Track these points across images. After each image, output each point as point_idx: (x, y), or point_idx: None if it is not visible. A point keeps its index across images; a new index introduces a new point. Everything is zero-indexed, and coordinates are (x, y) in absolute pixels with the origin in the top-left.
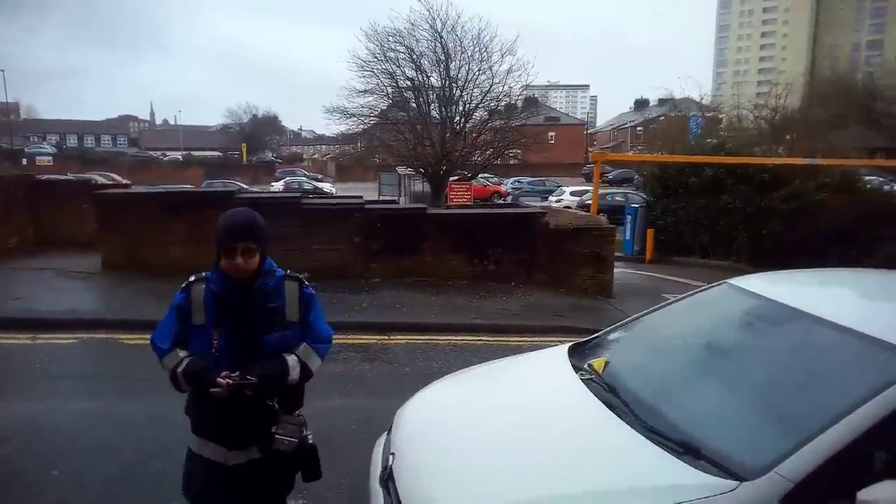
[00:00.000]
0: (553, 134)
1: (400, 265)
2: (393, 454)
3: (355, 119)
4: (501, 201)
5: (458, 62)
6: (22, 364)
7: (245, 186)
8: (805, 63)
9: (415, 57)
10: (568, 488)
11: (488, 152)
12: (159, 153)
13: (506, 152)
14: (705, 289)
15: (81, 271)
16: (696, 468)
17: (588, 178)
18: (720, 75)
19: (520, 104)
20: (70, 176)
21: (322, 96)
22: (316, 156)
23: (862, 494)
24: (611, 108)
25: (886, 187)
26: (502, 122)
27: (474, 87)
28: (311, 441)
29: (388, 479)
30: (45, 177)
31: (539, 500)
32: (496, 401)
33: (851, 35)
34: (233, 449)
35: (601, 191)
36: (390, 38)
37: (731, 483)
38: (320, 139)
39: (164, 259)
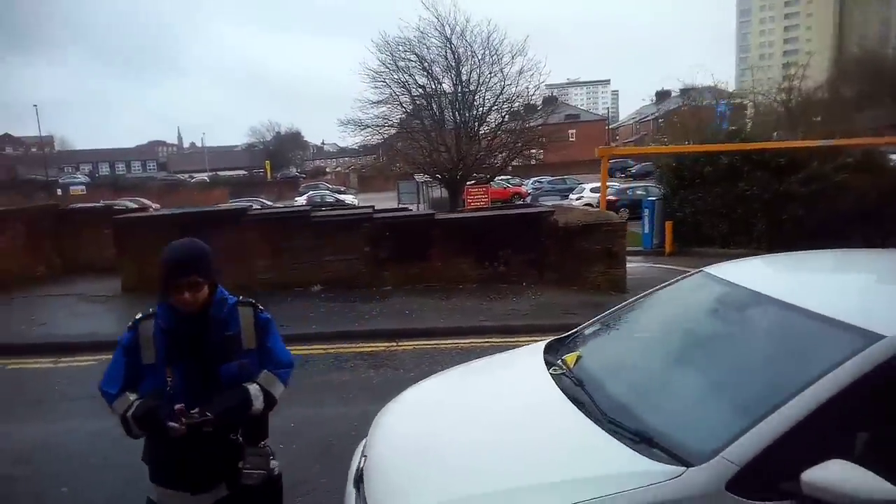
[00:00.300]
0: (574, 131)
1: (410, 272)
2: (365, 456)
3: (371, 130)
4: (521, 202)
5: (469, 66)
6: (43, 387)
7: (269, 203)
8: (831, 42)
9: (426, 64)
10: (518, 482)
11: (504, 154)
12: (187, 176)
13: (523, 153)
14: (684, 278)
15: (102, 295)
16: (648, 457)
17: (611, 174)
18: (743, 60)
19: (539, 104)
20: (101, 203)
21: (342, 109)
22: (339, 168)
23: (806, 475)
24: (634, 102)
25: None
26: (517, 124)
27: (486, 90)
28: (277, 471)
29: (359, 479)
30: (72, 206)
31: (482, 497)
32: (466, 400)
33: (881, 11)
34: (197, 493)
35: (623, 185)
36: (400, 48)
37: (679, 469)
38: (343, 152)
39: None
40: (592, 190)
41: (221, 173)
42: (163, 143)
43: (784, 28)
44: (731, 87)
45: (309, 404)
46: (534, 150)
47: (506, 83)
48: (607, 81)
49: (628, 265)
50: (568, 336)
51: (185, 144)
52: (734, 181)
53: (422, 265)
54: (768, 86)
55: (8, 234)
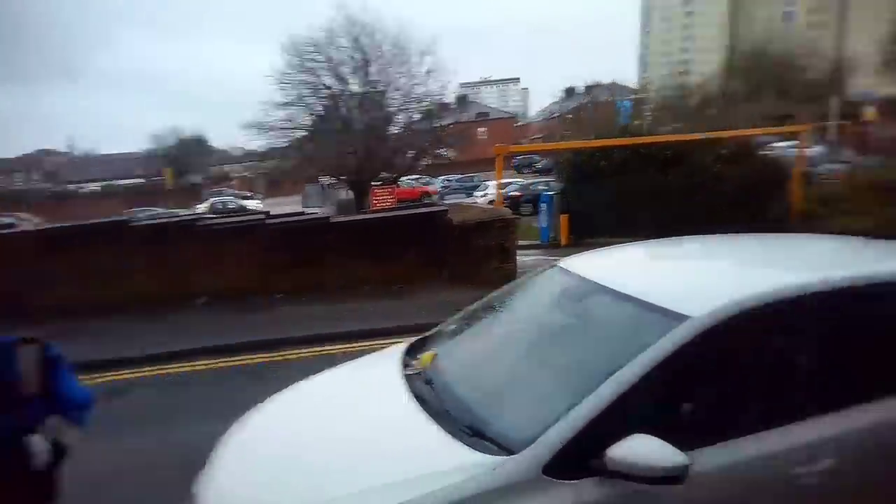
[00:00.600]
0: (484, 129)
1: (304, 278)
2: (205, 471)
3: (276, 133)
4: (429, 201)
5: (377, 66)
6: None
7: (161, 211)
8: (724, 38)
9: (333, 65)
10: (349, 488)
11: (412, 154)
12: (77, 185)
13: (431, 152)
14: (540, 271)
15: None
16: (480, 450)
17: (518, 170)
18: (644, 57)
19: (453, 103)
20: None
21: (251, 113)
22: (246, 173)
23: (610, 451)
24: (546, 100)
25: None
26: (426, 123)
27: (395, 90)
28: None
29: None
30: None
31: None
32: (318, 410)
33: (768, 8)
34: None
35: (527, 181)
36: (308, 49)
37: (500, 459)
38: (249, 156)
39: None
40: (497, 187)
41: (118, 182)
42: (53, 152)
43: (683, 26)
44: (634, 84)
45: (175, 424)
46: (443, 149)
47: (414, 83)
48: (517, 79)
49: (526, 258)
50: (429, 335)
51: (78, 152)
52: (625, 175)
53: (317, 270)
54: (665, 82)
55: None
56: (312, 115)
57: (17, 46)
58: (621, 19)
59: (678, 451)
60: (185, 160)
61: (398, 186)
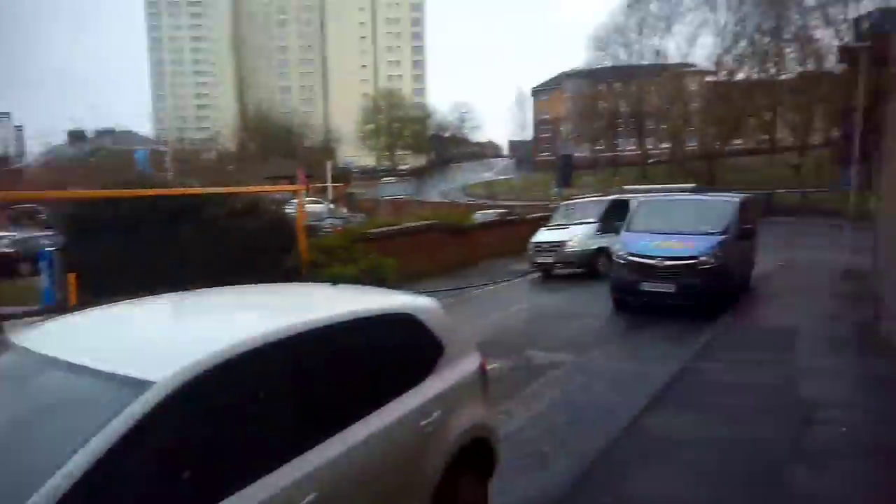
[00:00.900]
0: None
1: None
2: None
3: None
4: None
5: None
6: None
7: None
8: (234, 104)
9: None
10: None
11: None
12: None
13: None
14: None
15: None
16: None
17: (13, 221)
18: (160, 106)
19: None
20: None
21: None
22: None
23: None
24: (50, 140)
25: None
26: None
27: None
28: None
29: None
30: None
31: None
32: None
33: (269, 80)
34: None
35: (25, 234)
36: None
37: None
38: None
39: None
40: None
41: None
42: None
43: (196, 83)
44: (151, 133)
45: None
46: None
47: None
48: (7, 114)
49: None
50: None
51: None
52: (138, 226)
53: None
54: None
55: None
56: None
57: None
58: (131, 66)
59: None
60: None
61: None
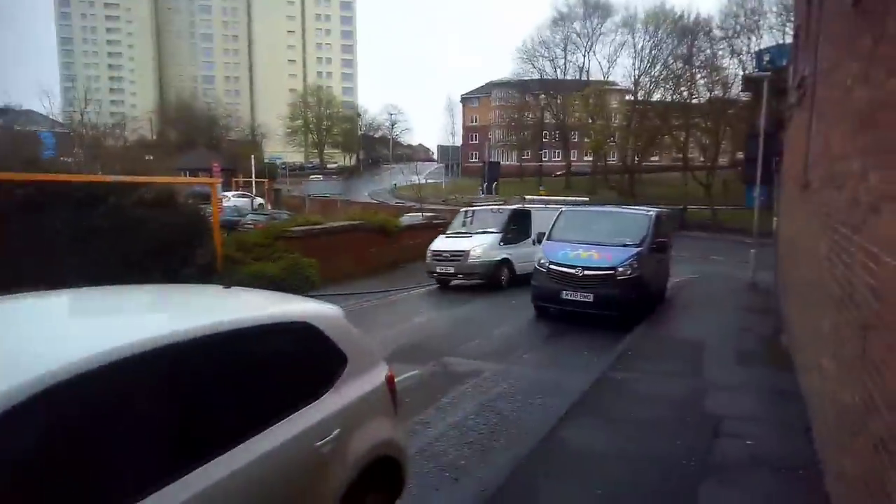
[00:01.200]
0: None
1: None
2: None
3: None
4: None
5: None
6: None
7: None
8: (154, 90)
9: None
10: None
11: None
12: None
13: None
14: None
15: None
16: None
17: None
18: (68, 90)
19: None
20: None
21: None
22: None
23: None
24: None
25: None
26: None
27: None
28: None
29: None
30: None
31: None
32: None
33: (191, 68)
34: None
35: None
36: None
37: None
38: None
39: None
40: None
41: None
42: None
43: (108, 66)
44: (59, 116)
45: None
46: None
47: None
48: None
49: None
50: None
51: None
52: (38, 214)
53: None
54: (98, 119)
55: None
56: None
57: None
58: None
59: None
60: None
61: None
